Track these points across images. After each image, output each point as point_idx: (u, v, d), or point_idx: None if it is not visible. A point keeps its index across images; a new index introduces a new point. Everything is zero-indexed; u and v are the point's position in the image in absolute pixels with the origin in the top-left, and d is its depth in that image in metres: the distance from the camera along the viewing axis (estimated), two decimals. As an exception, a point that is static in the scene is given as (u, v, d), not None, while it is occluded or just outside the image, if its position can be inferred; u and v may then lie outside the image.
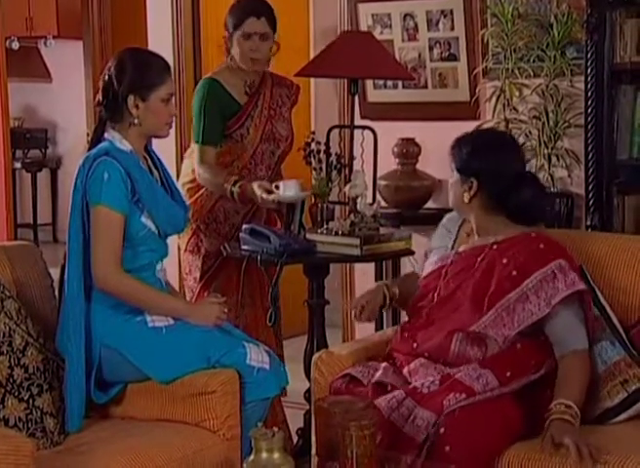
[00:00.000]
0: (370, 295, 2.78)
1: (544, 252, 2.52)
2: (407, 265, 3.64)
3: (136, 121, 2.65)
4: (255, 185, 3.22)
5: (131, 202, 2.61)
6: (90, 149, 2.66)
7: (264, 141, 3.44)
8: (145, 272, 2.68)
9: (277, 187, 3.20)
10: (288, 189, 3.19)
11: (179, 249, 3.57)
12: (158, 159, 2.83)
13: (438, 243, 2.77)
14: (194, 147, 3.42)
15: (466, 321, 2.51)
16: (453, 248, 2.69)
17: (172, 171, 3.34)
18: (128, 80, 2.63)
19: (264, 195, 3.18)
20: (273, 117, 3.46)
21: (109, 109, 2.66)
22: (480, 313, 2.50)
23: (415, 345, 2.56)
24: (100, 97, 2.67)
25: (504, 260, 2.53)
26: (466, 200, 2.59)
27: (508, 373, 2.44)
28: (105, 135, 2.67)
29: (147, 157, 2.77)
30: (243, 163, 3.41)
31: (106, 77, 2.65)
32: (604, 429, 2.45)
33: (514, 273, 2.49)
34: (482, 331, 2.49)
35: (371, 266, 4.03)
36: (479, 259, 2.58)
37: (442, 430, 2.29)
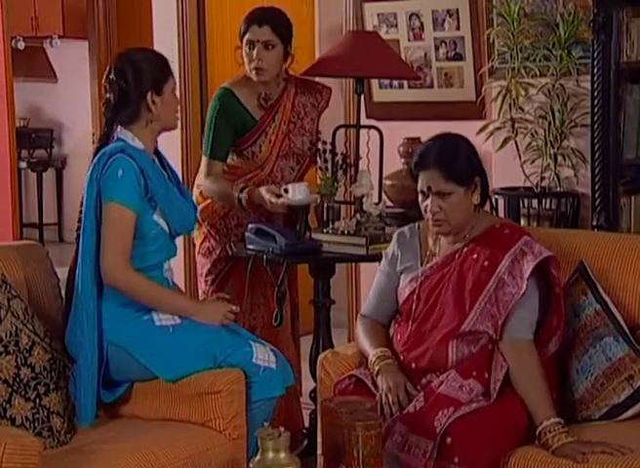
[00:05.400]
0: (395, 386, 2.49)
1: (509, 235, 2.55)
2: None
3: (154, 117, 2.67)
4: (263, 190, 3.19)
5: (144, 200, 2.62)
6: (98, 150, 2.67)
7: (282, 158, 3.39)
8: (154, 272, 2.69)
9: (286, 191, 3.16)
10: (298, 192, 3.16)
11: (185, 250, 3.56)
12: (165, 159, 2.83)
13: (404, 262, 2.69)
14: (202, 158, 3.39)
15: (454, 323, 2.51)
16: (422, 263, 2.65)
17: (177, 165, 3.34)
18: (146, 78, 2.65)
19: (273, 199, 3.15)
20: (292, 131, 3.39)
21: (126, 111, 2.66)
22: (465, 312, 2.50)
23: (413, 366, 2.56)
24: (113, 99, 2.66)
25: (475, 256, 2.54)
26: (476, 201, 2.58)
27: (486, 374, 2.46)
28: (117, 134, 2.68)
29: (155, 157, 2.77)
30: (260, 179, 3.36)
31: (122, 80, 2.64)
32: (612, 426, 2.46)
33: (486, 263, 2.51)
34: (472, 328, 2.49)
35: (376, 266, 4.02)
36: (452, 265, 2.57)
37: (449, 440, 2.30)
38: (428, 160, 2.54)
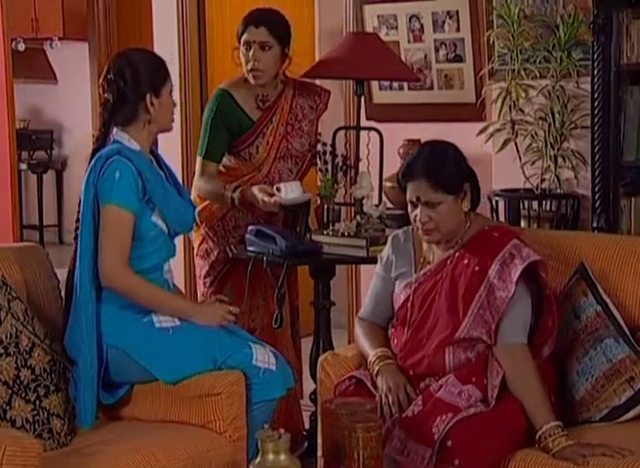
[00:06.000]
0: (395, 386, 2.50)
1: (498, 238, 2.53)
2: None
3: (152, 118, 2.67)
4: (255, 189, 3.19)
5: (142, 201, 2.62)
6: (95, 152, 2.67)
7: (280, 160, 3.38)
8: (154, 273, 2.68)
9: (278, 190, 3.16)
10: (290, 191, 3.15)
11: (184, 252, 3.55)
12: (162, 159, 2.83)
13: (399, 268, 2.68)
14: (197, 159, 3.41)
15: (448, 330, 2.50)
16: (416, 270, 2.64)
17: (177, 166, 3.35)
18: (145, 80, 2.65)
19: (266, 198, 3.15)
20: (290, 133, 3.38)
21: (124, 111, 2.66)
22: (459, 318, 2.49)
23: (411, 373, 2.55)
24: (111, 99, 2.66)
25: (465, 261, 2.53)
26: (466, 208, 2.56)
27: (485, 381, 2.45)
28: (113, 136, 2.68)
29: (152, 158, 2.77)
30: (257, 181, 3.34)
31: (120, 80, 2.64)
32: (612, 428, 2.46)
33: (477, 269, 2.50)
34: (466, 335, 2.48)
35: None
36: (445, 271, 2.57)
37: (449, 443, 2.30)
38: (416, 170, 2.52)
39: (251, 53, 3.28)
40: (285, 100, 3.40)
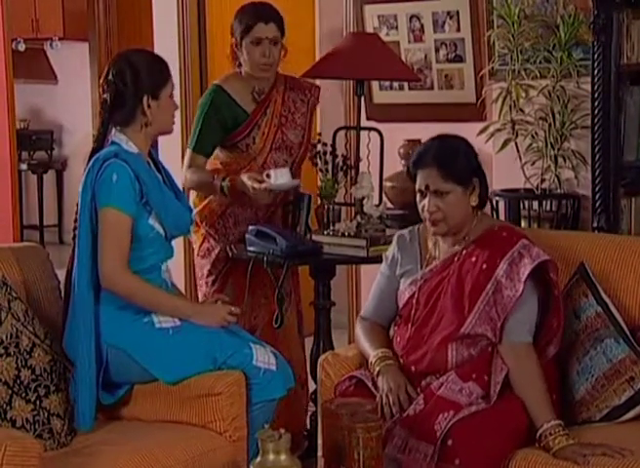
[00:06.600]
0: (395, 386, 2.50)
1: (508, 238, 2.53)
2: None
3: (149, 121, 2.66)
4: (244, 177, 3.19)
5: (139, 204, 2.62)
6: (93, 152, 2.67)
7: (275, 151, 3.38)
8: (151, 274, 2.68)
9: (268, 176, 3.15)
10: (280, 177, 3.14)
11: (185, 253, 3.55)
12: (160, 162, 2.83)
13: (404, 266, 2.68)
14: (187, 152, 3.42)
15: (453, 327, 2.50)
16: (422, 267, 2.64)
17: (177, 166, 3.35)
18: (144, 81, 2.65)
19: (256, 185, 3.14)
20: (284, 125, 3.40)
21: (122, 112, 2.66)
22: (464, 315, 2.50)
23: (413, 369, 2.55)
24: (109, 100, 2.66)
25: (473, 259, 2.53)
26: (474, 203, 2.57)
27: (486, 377, 2.46)
28: (111, 137, 2.68)
29: (150, 160, 2.77)
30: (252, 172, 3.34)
31: (119, 81, 2.64)
32: (612, 428, 2.46)
33: (484, 266, 2.50)
34: (471, 331, 2.49)
35: (377, 268, 4.02)
36: (452, 268, 2.57)
37: (450, 442, 2.30)
38: (427, 158, 2.54)
39: (264, 49, 3.28)
40: (277, 93, 3.41)
